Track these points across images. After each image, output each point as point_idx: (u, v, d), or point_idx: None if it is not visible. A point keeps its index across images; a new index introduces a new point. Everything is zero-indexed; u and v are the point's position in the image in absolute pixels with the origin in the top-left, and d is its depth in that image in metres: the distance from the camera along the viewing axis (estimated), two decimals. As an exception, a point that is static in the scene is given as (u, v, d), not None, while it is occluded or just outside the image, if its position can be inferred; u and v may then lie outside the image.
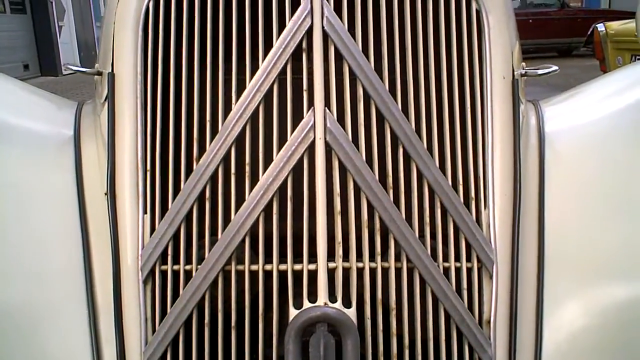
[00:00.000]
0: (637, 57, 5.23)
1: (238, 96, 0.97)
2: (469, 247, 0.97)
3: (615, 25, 5.58)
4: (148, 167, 0.99)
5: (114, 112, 1.02)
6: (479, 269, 0.97)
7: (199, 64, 0.99)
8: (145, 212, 0.97)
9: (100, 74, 1.14)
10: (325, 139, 0.95)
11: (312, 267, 0.94)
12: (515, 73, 1.08)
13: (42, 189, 1.04)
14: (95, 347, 0.94)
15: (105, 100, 1.06)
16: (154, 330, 0.94)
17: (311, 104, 0.96)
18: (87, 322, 0.96)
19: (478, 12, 1.03)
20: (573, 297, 0.99)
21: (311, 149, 0.96)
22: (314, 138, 0.95)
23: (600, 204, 1.05)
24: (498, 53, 1.04)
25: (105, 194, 1.00)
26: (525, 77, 1.16)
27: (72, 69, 1.26)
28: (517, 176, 1.02)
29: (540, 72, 1.17)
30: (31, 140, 1.09)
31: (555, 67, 1.18)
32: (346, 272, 0.95)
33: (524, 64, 1.17)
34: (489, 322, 0.96)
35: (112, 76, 1.04)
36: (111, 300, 0.96)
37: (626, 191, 1.04)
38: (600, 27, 5.64)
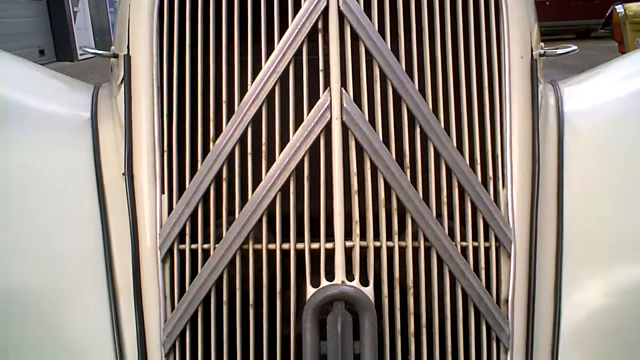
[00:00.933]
0: (657, 38, 5.15)
1: (254, 77, 0.97)
2: (486, 226, 0.97)
3: (634, 6, 5.49)
4: (165, 148, 0.99)
5: (131, 94, 1.03)
6: (497, 248, 0.97)
7: (214, 45, 0.99)
8: (162, 192, 0.98)
9: (116, 56, 1.15)
10: (341, 119, 0.95)
11: (329, 245, 0.94)
12: (533, 53, 1.06)
13: (60, 170, 1.06)
14: (115, 325, 0.96)
15: (121, 82, 1.06)
16: (172, 308, 0.95)
17: (327, 84, 0.96)
18: (107, 301, 0.97)
19: (496, -9, 1.02)
20: (592, 277, 0.98)
21: (328, 129, 0.96)
22: (331, 118, 0.95)
23: (620, 184, 1.04)
24: (516, 33, 1.03)
25: (123, 174, 1.01)
26: (544, 57, 1.15)
27: (88, 52, 1.27)
28: (536, 156, 1.01)
29: (559, 51, 1.16)
30: (49, 123, 1.10)
31: (574, 47, 1.17)
32: (363, 251, 0.95)
33: (542, 44, 1.16)
34: (506, 301, 0.95)
35: (128, 58, 1.04)
36: (130, 279, 0.97)
37: None
38: (619, 8, 5.56)
